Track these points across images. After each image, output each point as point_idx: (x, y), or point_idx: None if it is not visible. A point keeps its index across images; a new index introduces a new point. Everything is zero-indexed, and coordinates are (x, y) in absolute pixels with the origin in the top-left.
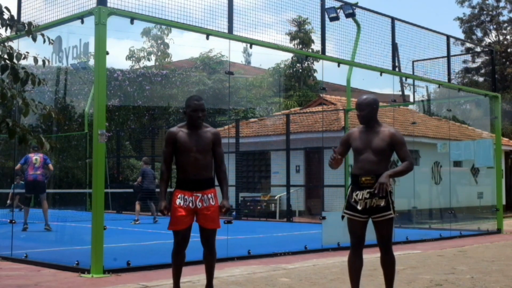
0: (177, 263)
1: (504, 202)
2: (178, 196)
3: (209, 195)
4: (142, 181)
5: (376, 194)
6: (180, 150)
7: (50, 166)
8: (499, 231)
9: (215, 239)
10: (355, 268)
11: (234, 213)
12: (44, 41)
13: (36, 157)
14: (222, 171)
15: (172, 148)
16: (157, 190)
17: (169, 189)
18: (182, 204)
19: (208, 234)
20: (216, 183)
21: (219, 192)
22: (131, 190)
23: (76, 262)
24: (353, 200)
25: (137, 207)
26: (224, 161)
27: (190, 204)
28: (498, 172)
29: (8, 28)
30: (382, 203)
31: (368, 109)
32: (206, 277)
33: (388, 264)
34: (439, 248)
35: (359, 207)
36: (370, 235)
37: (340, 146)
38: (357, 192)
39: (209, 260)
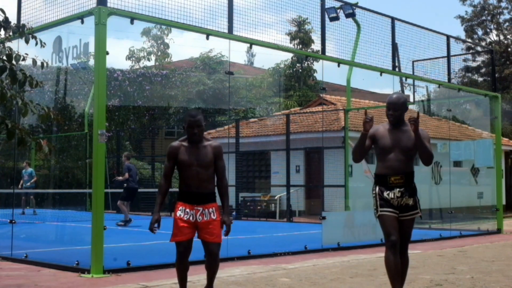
0: (181, 273)
1: (504, 202)
2: (180, 208)
3: (210, 209)
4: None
5: (406, 194)
6: (181, 165)
7: None
8: (499, 231)
9: (219, 252)
10: (395, 267)
11: (234, 213)
12: (36, 44)
13: None
14: (223, 186)
15: (173, 163)
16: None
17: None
18: (182, 216)
19: (211, 248)
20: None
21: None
22: (112, 186)
23: (76, 262)
24: (385, 197)
25: (123, 207)
26: (226, 175)
27: (191, 218)
28: (498, 172)
29: (2, 29)
30: (411, 202)
31: (403, 109)
32: (207, 280)
33: (403, 265)
34: (439, 248)
35: (394, 203)
36: (370, 235)
37: (368, 139)
38: (388, 191)
39: (212, 268)
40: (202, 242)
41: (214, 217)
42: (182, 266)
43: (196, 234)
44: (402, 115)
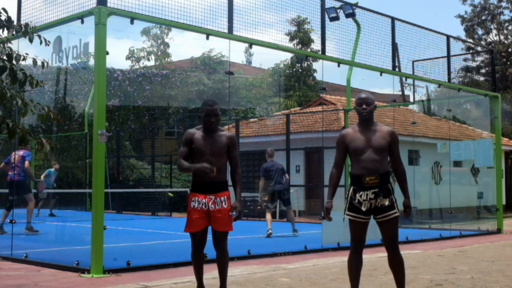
0: (197, 264)
1: (504, 202)
2: (193, 199)
3: (222, 198)
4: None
5: (380, 194)
6: (194, 152)
7: (26, 163)
8: (499, 231)
9: (227, 241)
10: (355, 268)
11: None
12: (41, 43)
13: (16, 155)
14: (237, 174)
15: (188, 147)
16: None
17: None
18: (196, 206)
19: (219, 236)
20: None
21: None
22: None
23: (76, 262)
24: (356, 201)
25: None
26: (239, 165)
27: (203, 207)
28: (498, 172)
29: (5, 29)
30: (387, 203)
31: (374, 105)
32: (220, 278)
33: (397, 265)
34: (439, 248)
35: (363, 208)
36: (370, 235)
37: (338, 152)
38: (361, 192)
39: (222, 263)
40: (212, 230)
41: (225, 206)
42: (198, 258)
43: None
44: (373, 111)
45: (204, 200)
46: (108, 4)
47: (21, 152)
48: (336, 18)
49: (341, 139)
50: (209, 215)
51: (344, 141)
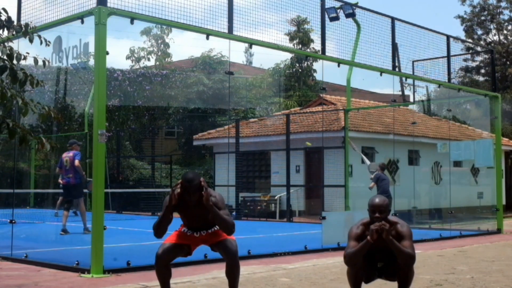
0: (159, 274)
1: (504, 202)
2: (184, 228)
3: (214, 228)
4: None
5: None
6: (179, 209)
7: (76, 162)
8: (499, 231)
9: (237, 250)
10: (356, 280)
11: (234, 213)
12: (41, 43)
13: (66, 158)
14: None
15: (171, 212)
16: None
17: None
18: (186, 231)
19: (226, 243)
20: None
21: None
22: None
23: (76, 262)
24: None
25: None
26: (230, 218)
27: (194, 233)
28: (498, 172)
29: (5, 29)
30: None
31: (388, 211)
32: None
33: (409, 277)
34: (439, 248)
35: (378, 265)
36: None
37: (351, 242)
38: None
39: (232, 269)
40: (217, 248)
41: (217, 229)
42: (159, 271)
43: (185, 252)
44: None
45: (196, 234)
46: (108, 4)
47: (70, 154)
48: (336, 18)
49: (356, 232)
50: (199, 241)
51: (362, 236)
